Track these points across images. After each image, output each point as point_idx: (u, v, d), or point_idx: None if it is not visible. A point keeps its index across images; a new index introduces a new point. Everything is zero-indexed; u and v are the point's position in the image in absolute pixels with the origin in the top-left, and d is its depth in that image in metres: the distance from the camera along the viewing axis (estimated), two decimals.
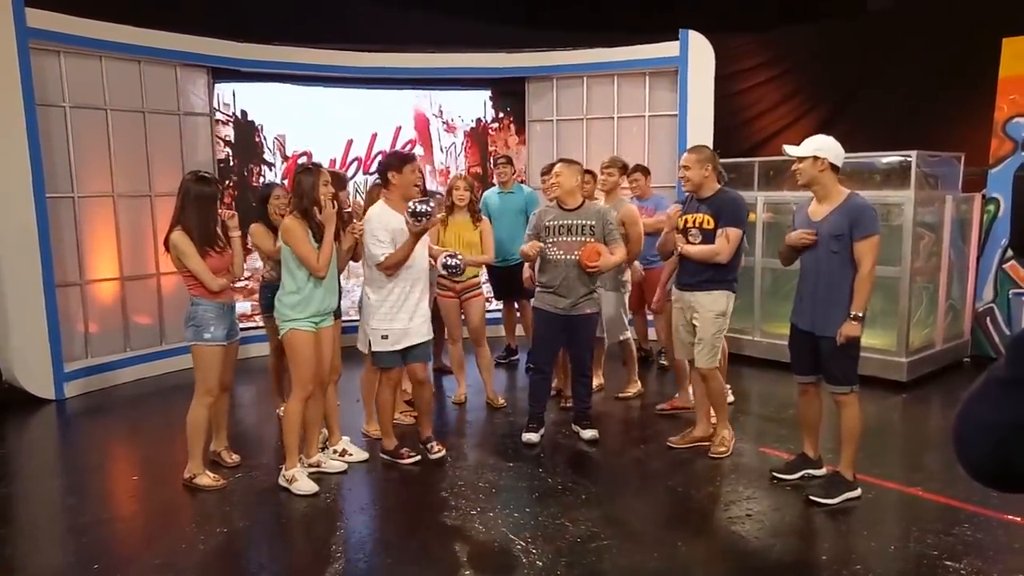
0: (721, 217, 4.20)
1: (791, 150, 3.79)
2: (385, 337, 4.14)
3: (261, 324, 7.23)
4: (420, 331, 4.23)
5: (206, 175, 4.00)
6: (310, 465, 4.22)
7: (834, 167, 3.70)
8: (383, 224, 4.06)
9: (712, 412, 4.55)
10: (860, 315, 3.60)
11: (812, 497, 3.77)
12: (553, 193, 4.65)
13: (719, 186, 4.31)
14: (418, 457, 4.37)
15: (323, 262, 3.92)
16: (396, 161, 4.16)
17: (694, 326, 4.35)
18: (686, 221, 4.32)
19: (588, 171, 5.92)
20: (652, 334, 6.56)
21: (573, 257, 4.47)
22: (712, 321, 4.28)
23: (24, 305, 5.60)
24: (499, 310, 6.87)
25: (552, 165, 4.95)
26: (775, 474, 4.07)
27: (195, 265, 3.85)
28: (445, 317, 5.41)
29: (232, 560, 3.36)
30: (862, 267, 3.59)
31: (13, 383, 5.70)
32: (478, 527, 3.57)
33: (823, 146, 3.70)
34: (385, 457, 4.40)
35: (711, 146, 7.15)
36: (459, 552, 3.33)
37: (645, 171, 6.13)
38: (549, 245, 4.53)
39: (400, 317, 4.14)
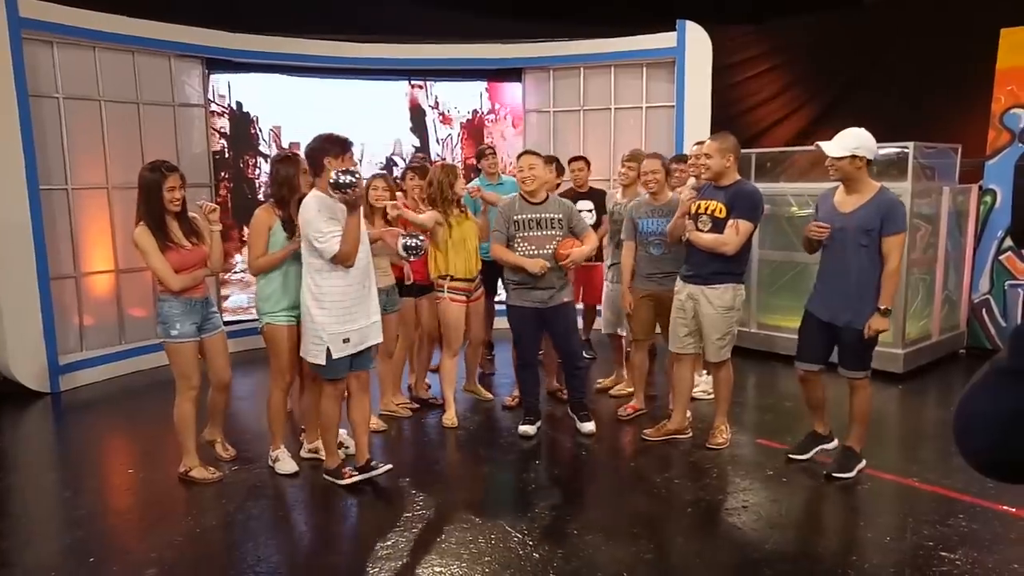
0: (735, 208, 4.11)
1: (827, 148, 3.72)
2: (347, 340, 3.69)
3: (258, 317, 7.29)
4: (375, 332, 3.87)
5: (155, 163, 3.89)
6: (310, 451, 4.29)
7: (869, 162, 3.73)
8: (330, 215, 3.60)
9: (684, 403, 4.58)
10: (889, 308, 3.70)
11: (832, 474, 3.93)
12: (528, 187, 4.45)
13: (739, 177, 4.25)
14: (360, 477, 3.94)
15: (260, 262, 3.91)
16: (335, 147, 3.63)
17: (695, 319, 4.31)
18: (698, 207, 4.22)
19: (552, 158, 5.86)
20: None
21: (545, 251, 4.43)
22: (720, 318, 4.23)
23: (19, 298, 5.58)
24: None
25: (523, 154, 4.69)
26: (790, 455, 4.18)
27: (154, 263, 3.76)
28: (448, 325, 4.90)
29: (228, 553, 3.35)
30: (890, 262, 3.66)
31: (8, 376, 5.68)
32: (475, 519, 3.56)
33: (862, 144, 3.68)
34: (327, 479, 3.97)
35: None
36: (456, 544, 3.33)
37: (684, 160, 5.75)
38: (519, 240, 4.46)
39: (358, 316, 3.74)
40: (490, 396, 5.40)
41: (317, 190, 3.67)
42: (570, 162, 6.16)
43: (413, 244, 4.07)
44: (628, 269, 4.86)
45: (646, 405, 5.08)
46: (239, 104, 7.23)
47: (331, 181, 3.46)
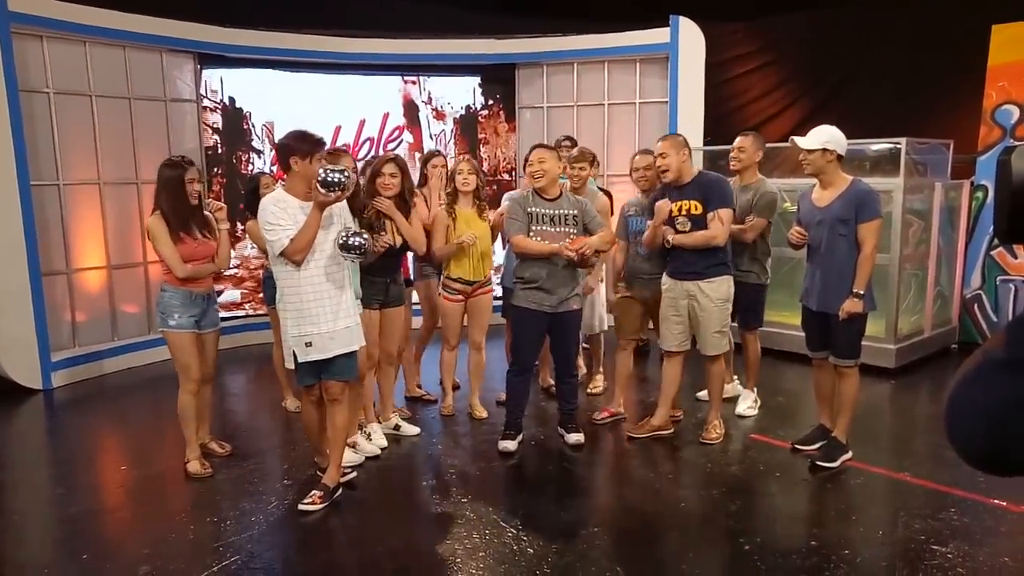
0: (710, 200, 4.15)
1: (801, 142, 3.91)
2: (309, 344, 3.48)
3: (251, 312, 7.27)
4: (346, 339, 3.58)
5: (174, 159, 4.03)
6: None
7: (839, 156, 3.90)
8: (282, 208, 3.44)
9: (669, 400, 4.55)
10: (861, 292, 3.85)
11: (817, 462, 4.02)
12: (539, 183, 4.20)
13: (696, 170, 4.29)
14: (322, 506, 3.63)
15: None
16: (305, 146, 3.45)
17: (689, 315, 4.32)
18: (670, 211, 4.21)
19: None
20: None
21: None
22: (718, 311, 4.26)
23: (10, 294, 5.54)
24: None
25: (533, 148, 4.38)
26: (795, 445, 4.27)
27: (164, 249, 3.88)
28: (445, 320, 4.85)
29: (221, 550, 3.34)
30: (864, 248, 3.84)
31: (0, 373, 5.65)
32: (469, 515, 3.57)
33: (832, 138, 3.88)
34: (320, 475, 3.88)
35: (703, 134, 7.19)
36: (450, 540, 3.33)
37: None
38: (531, 236, 4.20)
39: (323, 318, 3.49)
40: (485, 415, 4.93)
41: (282, 188, 3.54)
42: (572, 162, 5.96)
43: (356, 243, 3.50)
44: (618, 268, 4.81)
45: (628, 407, 4.97)
46: (232, 99, 7.19)
47: (319, 178, 3.34)
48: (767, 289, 4.88)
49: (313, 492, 3.65)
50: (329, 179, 3.33)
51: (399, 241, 4.23)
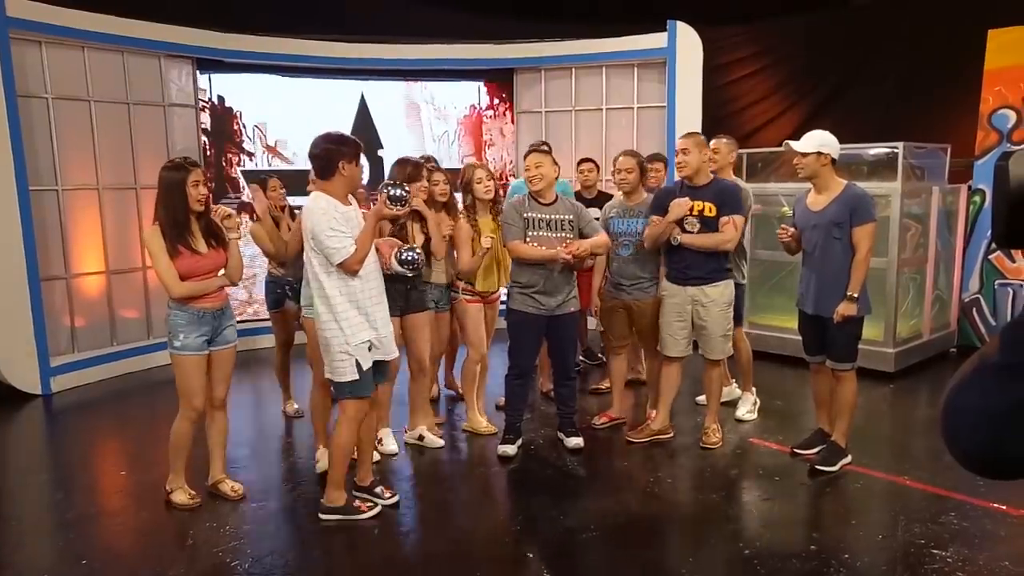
0: (724, 205, 4.16)
1: (795, 145, 3.94)
2: (372, 348, 3.44)
3: (250, 317, 7.26)
4: (393, 343, 3.64)
5: (176, 160, 3.60)
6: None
7: (833, 160, 3.93)
8: (341, 214, 3.34)
9: (669, 404, 4.53)
10: (855, 295, 3.86)
11: (816, 467, 4.02)
12: (536, 187, 4.18)
13: (712, 175, 4.29)
14: (378, 509, 3.63)
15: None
16: (350, 149, 3.40)
17: (693, 320, 4.31)
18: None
19: (589, 160, 5.79)
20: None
21: None
22: (723, 315, 4.29)
23: (9, 299, 5.54)
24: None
25: (529, 152, 4.32)
26: (795, 449, 4.27)
27: (159, 266, 3.49)
28: (467, 325, 4.61)
29: (221, 554, 3.34)
30: (859, 251, 3.86)
31: None
32: (468, 520, 3.57)
33: (825, 142, 3.90)
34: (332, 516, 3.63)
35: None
36: (449, 544, 3.33)
37: (662, 159, 5.61)
38: (528, 241, 4.18)
39: (381, 321, 3.50)
40: (493, 429, 4.71)
41: (320, 192, 3.39)
42: (578, 164, 5.77)
43: (410, 258, 3.76)
44: (600, 273, 4.79)
45: (625, 413, 4.93)
46: (220, 99, 7.11)
47: (388, 194, 3.59)
48: (745, 289, 5.02)
49: (381, 488, 3.74)
50: (395, 194, 3.60)
51: (419, 244, 4.17)
